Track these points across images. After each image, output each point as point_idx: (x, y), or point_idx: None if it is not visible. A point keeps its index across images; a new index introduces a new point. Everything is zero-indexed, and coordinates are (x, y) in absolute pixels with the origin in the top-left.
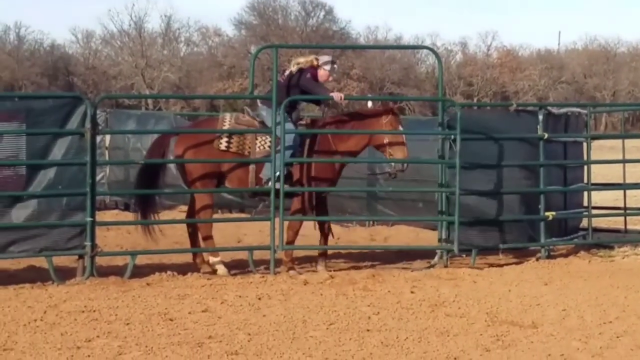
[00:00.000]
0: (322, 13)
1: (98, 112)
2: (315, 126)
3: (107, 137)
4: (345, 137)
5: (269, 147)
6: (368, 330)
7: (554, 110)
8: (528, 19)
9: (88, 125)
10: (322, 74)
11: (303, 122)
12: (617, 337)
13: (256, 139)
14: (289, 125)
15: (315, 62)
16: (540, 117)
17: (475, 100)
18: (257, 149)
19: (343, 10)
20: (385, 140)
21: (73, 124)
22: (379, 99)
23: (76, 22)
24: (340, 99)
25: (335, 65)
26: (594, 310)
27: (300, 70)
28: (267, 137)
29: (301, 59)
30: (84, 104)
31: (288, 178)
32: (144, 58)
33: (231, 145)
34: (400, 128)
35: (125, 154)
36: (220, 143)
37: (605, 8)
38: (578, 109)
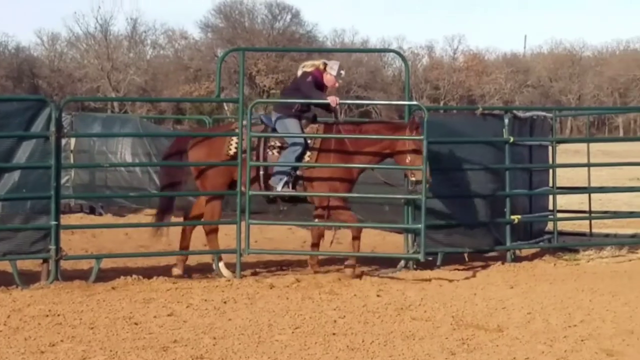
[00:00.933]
0: (289, 16)
1: (63, 115)
2: (333, 130)
3: (72, 140)
4: (364, 145)
5: (279, 152)
6: (334, 334)
7: (520, 114)
8: (494, 23)
9: (53, 128)
10: (328, 78)
11: (315, 125)
12: (582, 340)
13: (266, 147)
14: (294, 125)
15: (322, 67)
16: (506, 121)
17: (441, 103)
18: (268, 156)
19: (310, 13)
20: (408, 160)
21: (38, 127)
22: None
23: (41, 25)
24: (336, 103)
25: (342, 71)
26: (559, 313)
27: (304, 74)
28: (277, 142)
29: (308, 63)
30: (49, 106)
31: (298, 179)
32: (110, 61)
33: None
34: (424, 147)
35: (91, 157)
36: (229, 149)
37: (571, 12)
38: (544, 113)
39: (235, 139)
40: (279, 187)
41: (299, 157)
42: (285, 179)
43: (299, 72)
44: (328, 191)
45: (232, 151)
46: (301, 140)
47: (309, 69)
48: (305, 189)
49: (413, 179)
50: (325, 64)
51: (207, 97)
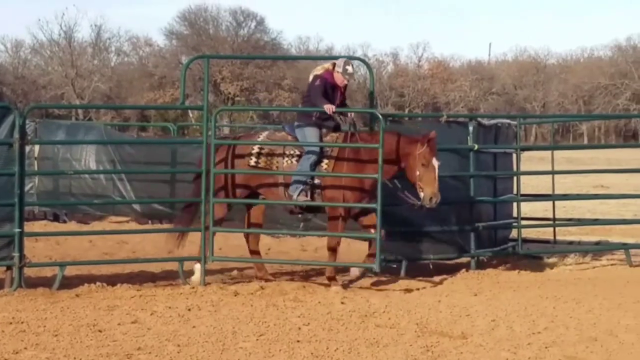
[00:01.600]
0: (254, 23)
1: (27, 122)
2: (351, 139)
3: (37, 147)
4: (377, 154)
5: (297, 161)
6: (298, 341)
7: (484, 121)
8: (459, 31)
9: (17, 135)
10: (337, 77)
11: (336, 134)
12: (546, 347)
13: (284, 155)
14: (311, 134)
15: (331, 67)
16: (471, 128)
17: (406, 111)
18: (284, 165)
19: (274, 20)
20: (417, 173)
21: (1, 134)
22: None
23: (5, 31)
24: (331, 110)
25: (348, 67)
26: (523, 320)
27: (314, 78)
28: (296, 150)
29: (319, 67)
30: (13, 114)
31: (315, 188)
32: (74, 68)
33: (260, 162)
34: (435, 162)
35: (55, 164)
36: (250, 159)
37: (535, 20)
38: (508, 120)
39: (256, 148)
40: (295, 195)
41: (313, 165)
42: (302, 187)
43: (310, 77)
44: (340, 200)
45: (252, 162)
46: (316, 149)
47: (319, 72)
48: (322, 198)
49: (422, 193)
50: (334, 64)
51: (172, 105)
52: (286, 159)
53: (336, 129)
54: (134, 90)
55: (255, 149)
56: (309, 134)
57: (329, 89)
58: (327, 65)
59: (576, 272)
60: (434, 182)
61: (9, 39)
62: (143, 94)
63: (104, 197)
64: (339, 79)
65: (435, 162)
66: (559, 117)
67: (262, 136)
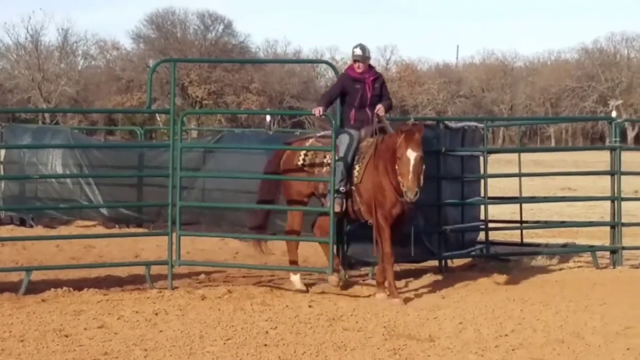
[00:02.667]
0: (221, 27)
1: None
2: (382, 143)
3: (2, 152)
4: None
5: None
6: (265, 345)
7: (452, 124)
8: (426, 34)
9: None
10: (356, 67)
11: (372, 138)
12: (513, 349)
13: (323, 164)
14: (343, 139)
15: (351, 61)
16: (438, 131)
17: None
18: (324, 172)
19: (242, 24)
20: (396, 167)
21: None
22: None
23: None
24: (318, 112)
25: (356, 49)
26: (491, 323)
27: (339, 77)
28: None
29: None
30: None
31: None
32: (41, 71)
33: (306, 169)
34: (411, 153)
35: (21, 168)
36: (299, 160)
37: (503, 23)
38: (475, 123)
39: (302, 155)
40: (328, 204)
41: (345, 172)
42: (335, 196)
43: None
44: (371, 206)
45: (300, 162)
46: (346, 156)
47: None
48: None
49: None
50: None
51: (139, 108)
52: (325, 167)
53: (378, 131)
54: (101, 93)
55: (302, 156)
56: (341, 140)
57: (349, 86)
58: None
59: (543, 275)
60: (407, 174)
61: None
62: (110, 98)
63: (70, 202)
64: (360, 68)
65: (410, 154)
66: (526, 119)
67: (310, 141)
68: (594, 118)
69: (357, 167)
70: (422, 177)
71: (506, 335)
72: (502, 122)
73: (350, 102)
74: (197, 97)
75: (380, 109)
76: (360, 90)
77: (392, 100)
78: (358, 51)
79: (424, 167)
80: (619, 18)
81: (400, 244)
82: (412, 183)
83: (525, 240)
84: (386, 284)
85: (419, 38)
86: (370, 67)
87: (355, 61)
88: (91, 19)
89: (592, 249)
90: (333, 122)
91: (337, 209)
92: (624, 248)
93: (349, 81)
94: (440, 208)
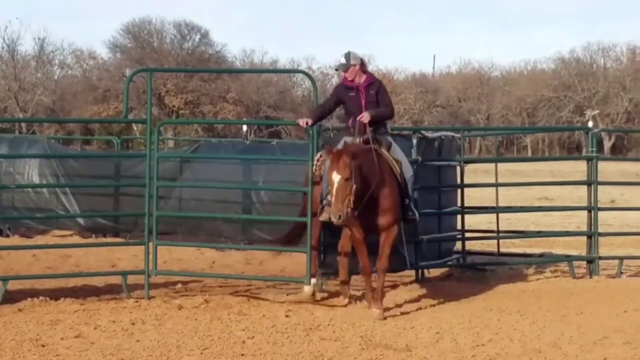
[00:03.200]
0: (198, 36)
1: None
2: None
3: None
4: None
5: None
6: (242, 354)
7: (428, 134)
8: (403, 43)
9: None
10: (347, 74)
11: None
12: (490, 359)
13: None
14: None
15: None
16: (414, 141)
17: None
18: None
19: (219, 33)
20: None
21: None
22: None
23: None
24: (304, 124)
25: (341, 58)
26: (467, 332)
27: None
28: None
29: None
30: None
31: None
32: (17, 81)
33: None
34: (335, 176)
35: None
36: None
37: (479, 33)
38: (452, 133)
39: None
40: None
41: None
42: (321, 205)
43: None
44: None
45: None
46: None
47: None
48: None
49: None
50: None
51: (115, 118)
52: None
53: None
54: (77, 103)
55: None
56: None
57: (344, 95)
58: None
59: (520, 284)
60: (332, 197)
61: None
62: (87, 107)
63: (47, 211)
64: (350, 74)
65: (334, 177)
66: (502, 129)
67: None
68: (571, 128)
69: None
70: (350, 199)
71: (483, 344)
72: (479, 132)
73: (348, 110)
74: (174, 106)
75: (363, 116)
76: (354, 97)
77: (391, 106)
78: (342, 59)
79: (353, 187)
80: (596, 28)
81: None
82: (335, 207)
83: (502, 250)
84: (373, 294)
85: (395, 48)
86: (366, 73)
87: (344, 70)
88: (68, 29)
89: (569, 259)
90: (311, 132)
91: (323, 218)
92: (600, 258)
93: (342, 90)
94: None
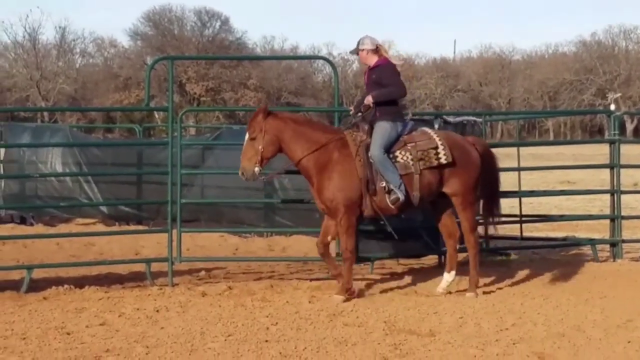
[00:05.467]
0: (218, 23)
1: None
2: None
3: (2, 151)
4: None
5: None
6: (266, 341)
7: (450, 118)
8: (423, 28)
9: None
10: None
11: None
12: (514, 343)
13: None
14: None
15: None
16: (436, 126)
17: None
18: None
19: (239, 20)
20: None
21: None
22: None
23: None
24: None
25: (358, 44)
26: (491, 317)
27: None
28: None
29: None
30: None
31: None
32: (39, 70)
33: None
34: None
35: (21, 167)
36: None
37: (500, 17)
38: (474, 117)
39: None
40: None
41: None
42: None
43: None
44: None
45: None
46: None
47: None
48: None
49: None
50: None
51: (137, 106)
52: None
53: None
54: (99, 91)
55: None
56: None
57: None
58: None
59: (543, 268)
60: None
61: None
62: (108, 96)
63: (70, 200)
64: (362, 58)
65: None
66: (524, 113)
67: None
68: (593, 111)
69: None
70: (257, 159)
71: (507, 329)
72: (501, 116)
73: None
74: (195, 94)
75: (367, 99)
76: (365, 81)
77: (396, 86)
78: (357, 46)
79: (261, 148)
80: (617, 10)
81: (400, 239)
82: (240, 163)
83: (525, 234)
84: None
85: (416, 33)
86: (380, 57)
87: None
88: (88, 17)
89: (591, 242)
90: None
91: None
92: (623, 241)
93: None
94: None
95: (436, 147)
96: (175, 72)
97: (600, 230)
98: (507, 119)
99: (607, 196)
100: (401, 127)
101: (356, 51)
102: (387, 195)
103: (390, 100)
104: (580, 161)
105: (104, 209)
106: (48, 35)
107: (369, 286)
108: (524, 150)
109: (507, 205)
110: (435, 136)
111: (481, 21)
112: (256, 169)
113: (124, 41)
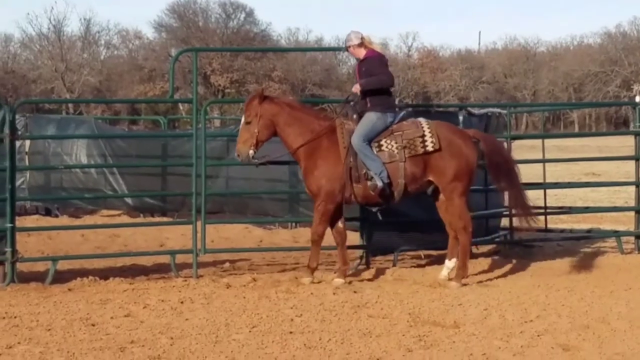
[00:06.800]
0: (243, 15)
1: (17, 117)
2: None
3: (27, 142)
4: None
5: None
6: (291, 332)
7: (475, 110)
8: (448, 20)
9: (7, 130)
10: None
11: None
12: (538, 335)
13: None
14: None
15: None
16: (461, 118)
17: (396, 101)
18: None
19: (263, 12)
20: None
21: None
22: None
23: None
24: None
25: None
26: (515, 309)
27: None
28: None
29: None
30: (3, 109)
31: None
32: (64, 62)
33: None
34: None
35: (46, 158)
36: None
37: (525, 8)
38: (498, 109)
39: None
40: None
41: None
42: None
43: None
44: None
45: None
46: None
47: None
48: None
49: None
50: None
51: (161, 98)
52: None
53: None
54: (124, 83)
55: None
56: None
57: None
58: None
59: (568, 260)
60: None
61: None
62: (133, 87)
63: (95, 191)
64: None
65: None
66: (549, 105)
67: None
68: (618, 103)
69: None
70: (252, 142)
71: (531, 321)
72: (525, 108)
73: None
74: (220, 85)
75: (355, 87)
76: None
77: (381, 74)
78: (345, 43)
79: (256, 131)
80: None
81: (424, 231)
82: (236, 145)
83: (550, 226)
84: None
85: (440, 24)
86: (367, 50)
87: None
88: (113, 9)
89: (616, 234)
90: None
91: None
92: None
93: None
94: None
95: (423, 135)
96: (199, 64)
97: (625, 222)
98: (531, 110)
99: (632, 188)
100: (391, 117)
101: (347, 49)
102: (367, 183)
103: (379, 89)
104: (606, 153)
105: (128, 200)
106: (73, 27)
107: (393, 278)
108: (548, 142)
109: (532, 197)
110: (424, 125)
111: (506, 12)
112: (251, 151)
113: (149, 33)
